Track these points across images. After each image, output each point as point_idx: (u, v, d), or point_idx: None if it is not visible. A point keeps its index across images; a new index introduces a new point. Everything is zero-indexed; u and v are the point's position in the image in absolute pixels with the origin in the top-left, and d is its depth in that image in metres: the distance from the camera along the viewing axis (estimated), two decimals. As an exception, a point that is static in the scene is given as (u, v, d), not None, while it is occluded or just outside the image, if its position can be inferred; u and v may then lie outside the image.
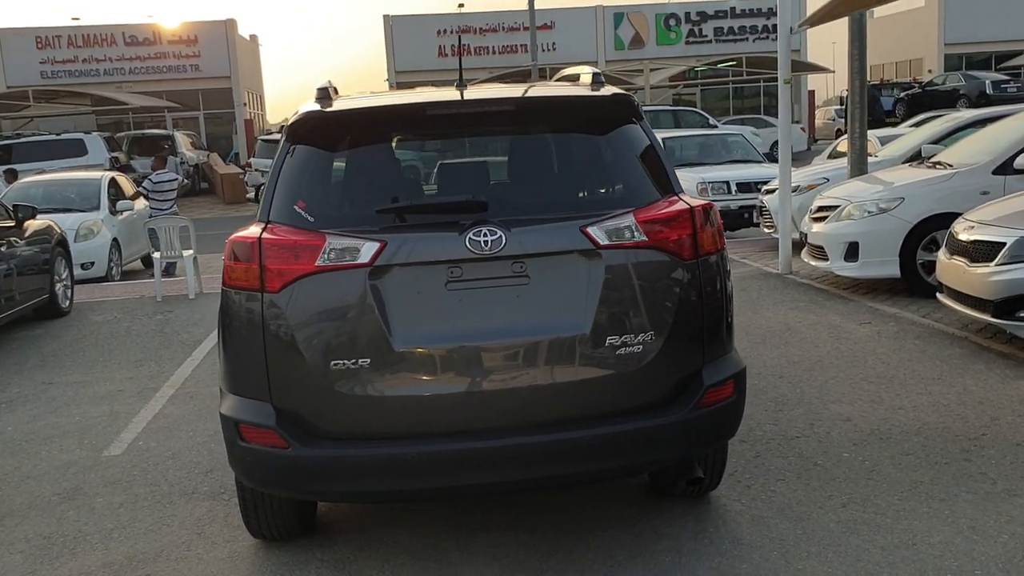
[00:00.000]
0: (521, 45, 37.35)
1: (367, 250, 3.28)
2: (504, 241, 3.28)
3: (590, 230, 3.36)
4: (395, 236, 3.32)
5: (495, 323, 3.32)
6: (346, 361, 3.27)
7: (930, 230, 8.33)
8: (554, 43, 38.83)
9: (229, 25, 38.88)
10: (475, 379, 3.30)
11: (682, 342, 3.46)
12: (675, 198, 3.61)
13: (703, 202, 3.62)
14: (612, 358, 3.35)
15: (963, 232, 6.71)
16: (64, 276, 10.49)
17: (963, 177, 8.38)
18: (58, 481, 5.11)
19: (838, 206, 8.97)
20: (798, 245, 10.35)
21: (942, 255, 7.03)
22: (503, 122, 3.81)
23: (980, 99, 29.55)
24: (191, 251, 11.58)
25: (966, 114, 12.20)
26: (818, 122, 40.64)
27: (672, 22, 39.99)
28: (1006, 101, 24.25)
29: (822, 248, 8.98)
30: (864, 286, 9.16)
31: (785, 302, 8.74)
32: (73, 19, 51.13)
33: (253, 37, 45.17)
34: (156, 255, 11.55)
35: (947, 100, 30.42)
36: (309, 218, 3.42)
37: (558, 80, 4.91)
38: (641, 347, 3.37)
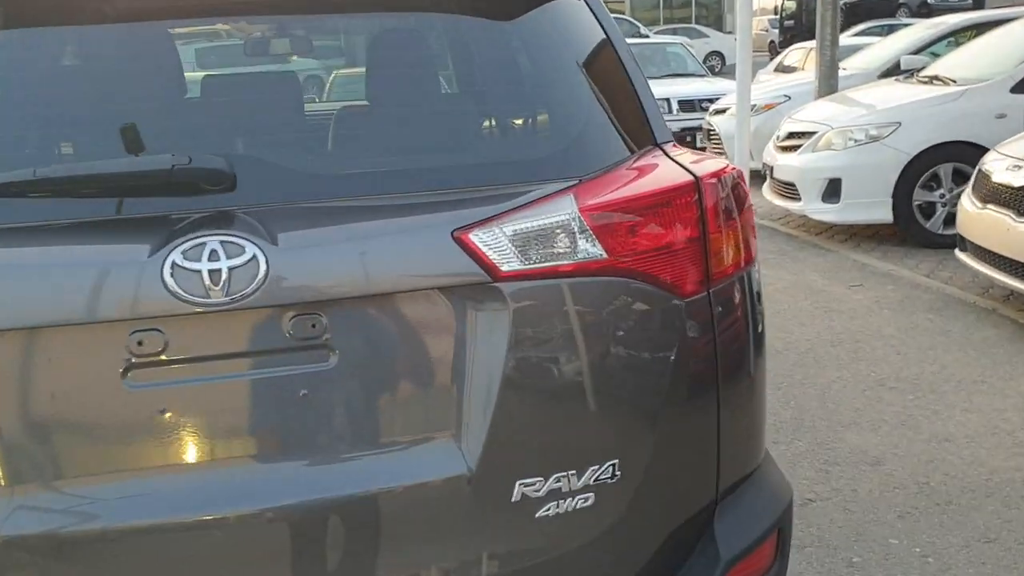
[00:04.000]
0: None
1: None
2: (264, 269, 1.38)
3: (474, 238, 1.47)
4: None
5: (248, 467, 1.45)
6: None
7: (932, 164, 6.63)
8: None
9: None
10: None
11: (678, 472, 1.63)
12: (657, 153, 1.74)
13: (717, 166, 1.76)
14: (529, 527, 1.52)
15: (1003, 173, 4.98)
16: None
17: (974, 96, 6.65)
18: None
19: (813, 132, 7.21)
20: (755, 177, 8.60)
21: (967, 202, 5.31)
22: None
23: (921, 8, 28.07)
24: None
25: (952, 19, 10.45)
26: (750, 33, 38.68)
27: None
28: (950, 11, 22.87)
29: (792, 185, 7.24)
30: (842, 232, 7.48)
31: (748, 253, 7.01)
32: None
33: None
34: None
35: (886, 9, 28.91)
36: None
37: None
38: (593, 497, 1.54)
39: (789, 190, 7.32)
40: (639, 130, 1.73)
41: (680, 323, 1.57)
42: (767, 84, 11.19)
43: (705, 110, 11.09)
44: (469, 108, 1.81)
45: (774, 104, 9.51)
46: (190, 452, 1.39)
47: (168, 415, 1.38)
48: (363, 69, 2.01)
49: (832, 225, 7.50)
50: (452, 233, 1.43)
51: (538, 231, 1.47)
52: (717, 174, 1.68)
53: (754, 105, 9.39)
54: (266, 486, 1.40)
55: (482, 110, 1.78)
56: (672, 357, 1.56)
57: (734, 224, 1.70)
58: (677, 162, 1.68)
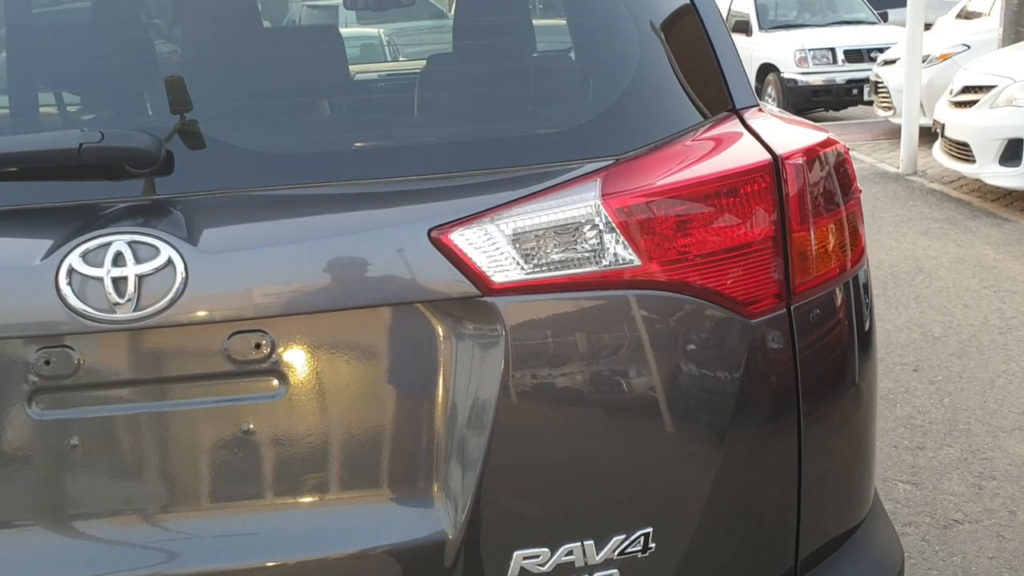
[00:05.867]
0: None
1: None
2: (181, 277, 1.09)
3: (458, 238, 1.13)
4: None
5: (173, 521, 1.16)
6: None
7: None
8: None
9: None
10: None
11: (736, 543, 1.26)
12: (732, 122, 1.34)
13: (811, 139, 1.34)
14: None
15: None
16: None
17: None
18: None
19: (993, 86, 6.40)
20: (925, 134, 7.81)
21: None
22: None
23: None
24: None
25: None
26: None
27: None
28: None
29: (966, 145, 6.47)
30: (1022, 199, 6.66)
31: (911, 220, 6.33)
32: None
33: None
34: None
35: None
36: None
37: None
38: (616, 574, 1.19)
39: (962, 151, 6.56)
40: (711, 93, 1.34)
41: (744, 352, 1.19)
42: (944, 32, 10.16)
43: (874, 60, 10.20)
44: (464, 68, 1.45)
45: (950, 54, 8.59)
46: (101, 499, 1.14)
47: (80, 452, 1.13)
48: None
49: (1010, 191, 6.68)
50: (429, 232, 1.11)
51: (546, 229, 1.13)
52: (808, 151, 1.28)
53: (927, 55, 8.52)
54: (195, 544, 1.13)
55: (481, 67, 1.40)
56: (731, 396, 1.19)
57: (832, 218, 1.30)
58: (755, 134, 1.29)
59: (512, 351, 1.11)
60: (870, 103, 10.16)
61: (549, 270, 1.13)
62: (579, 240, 1.14)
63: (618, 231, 1.14)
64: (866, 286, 1.40)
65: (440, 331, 1.13)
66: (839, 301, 1.30)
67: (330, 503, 1.15)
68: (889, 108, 9.18)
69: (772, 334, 1.21)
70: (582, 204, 1.14)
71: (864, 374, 1.36)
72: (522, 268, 1.13)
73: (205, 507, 1.15)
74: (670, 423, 1.17)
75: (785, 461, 1.27)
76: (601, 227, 1.14)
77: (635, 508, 1.17)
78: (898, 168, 7.91)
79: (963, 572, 2.62)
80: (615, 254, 1.14)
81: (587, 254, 1.14)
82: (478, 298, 1.11)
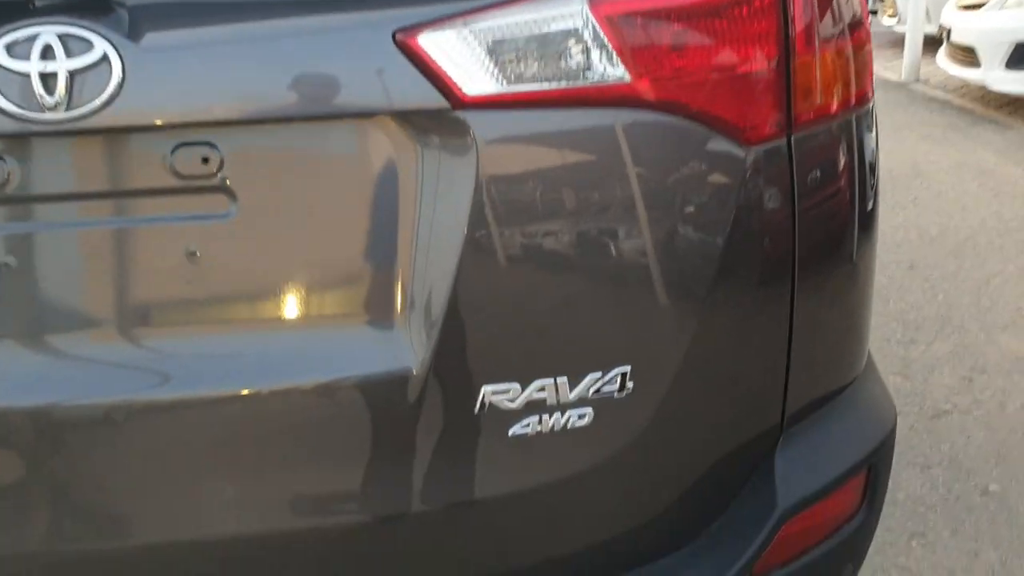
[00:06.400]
0: None
1: None
2: (118, 75, 0.95)
3: (426, 42, 0.99)
4: None
5: (107, 345, 1.04)
6: None
7: None
8: None
9: None
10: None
11: (719, 387, 1.18)
12: None
13: None
14: (497, 448, 1.10)
15: None
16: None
17: None
18: None
19: (1002, -12, 6.22)
20: (931, 43, 7.62)
21: None
22: None
23: None
24: None
25: None
26: None
27: None
28: None
29: (972, 50, 6.31)
30: (1027, 105, 6.53)
31: (911, 126, 6.20)
32: None
33: None
34: None
35: None
36: None
37: None
38: (591, 414, 1.11)
39: (968, 56, 6.40)
40: None
41: (740, 181, 1.10)
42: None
43: (881, -32, 9.91)
44: None
45: (960, -42, 8.34)
46: (33, 322, 1.05)
47: (11, 272, 1.04)
48: None
49: (1016, 98, 6.54)
50: (394, 35, 1.00)
51: (527, 38, 1.02)
52: None
53: (936, -41, 8.27)
54: (126, 375, 1.05)
55: None
56: (723, 229, 1.10)
57: (839, 45, 1.20)
58: None
59: (484, 172, 1.01)
60: (875, 12, 9.92)
61: (528, 83, 1.03)
62: (563, 51, 1.03)
63: (607, 42, 1.03)
64: (871, 131, 1.31)
65: (405, 148, 1.03)
66: (843, 136, 1.21)
67: (282, 332, 1.06)
68: (894, 15, 8.96)
69: (770, 164, 1.12)
70: (568, 11, 1.03)
71: (867, 222, 1.27)
72: (498, 80, 1.02)
73: (142, 333, 1.06)
74: (653, 253, 1.08)
75: (778, 307, 1.19)
76: (588, 37, 1.03)
77: (612, 346, 1.09)
78: (900, 76, 7.73)
79: (950, 460, 2.59)
80: (602, 68, 1.04)
81: (571, 67, 1.03)
82: (448, 111, 1.01)
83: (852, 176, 1.25)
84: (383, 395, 1.06)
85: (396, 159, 1.03)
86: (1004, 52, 6.02)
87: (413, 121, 1.03)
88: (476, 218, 1.02)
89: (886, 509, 2.38)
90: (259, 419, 1.06)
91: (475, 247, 1.03)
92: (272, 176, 1.04)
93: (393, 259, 1.05)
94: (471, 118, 1.01)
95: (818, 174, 1.19)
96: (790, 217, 1.16)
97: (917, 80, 7.56)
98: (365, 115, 1.02)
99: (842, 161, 1.23)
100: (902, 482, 2.48)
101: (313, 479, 1.08)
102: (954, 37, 6.58)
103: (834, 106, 1.20)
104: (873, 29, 8.07)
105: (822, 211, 1.21)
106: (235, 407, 1.05)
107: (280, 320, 1.06)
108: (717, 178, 1.11)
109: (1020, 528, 2.29)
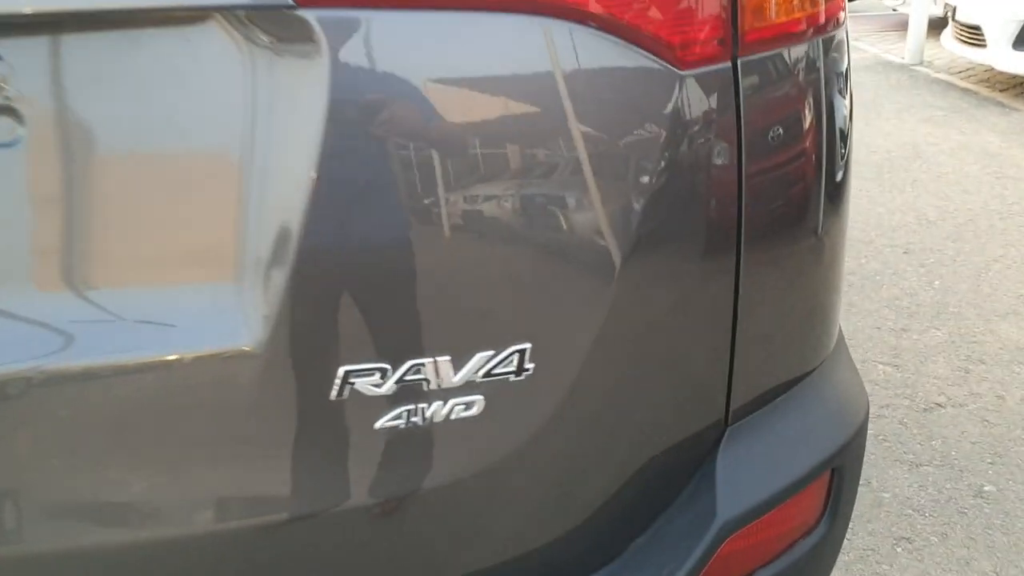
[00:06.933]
0: None
1: None
2: None
3: None
4: None
5: None
6: None
7: None
8: None
9: None
10: None
11: (645, 375, 0.96)
12: None
13: None
14: (360, 444, 0.87)
15: None
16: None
17: None
18: None
19: (1010, -35, 5.96)
20: (936, 26, 7.37)
21: None
22: None
23: None
24: None
25: None
26: None
27: None
28: None
29: (978, 29, 6.06)
30: (1034, 88, 6.28)
31: (913, 108, 5.96)
32: None
33: None
34: None
35: None
36: None
37: None
38: (481, 403, 0.88)
39: (974, 35, 6.15)
40: None
41: (669, 116, 0.88)
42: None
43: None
44: None
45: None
46: None
47: None
48: None
49: (1022, 80, 6.30)
50: None
51: None
52: None
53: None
54: None
55: None
56: (647, 177, 0.88)
57: None
58: None
59: (335, 86, 0.79)
60: (879, -7, 9.66)
61: None
62: None
63: None
64: (842, 61, 1.08)
65: (236, 58, 0.81)
66: (804, 63, 0.99)
67: (84, 293, 0.84)
68: (899, -4, 8.71)
69: (709, 94, 0.90)
70: None
71: (837, 181, 1.05)
72: None
73: None
74: (557, 203, 0.86)
75: (718, 279, 0.96)
76: None
77: (507, 318, 0.86)
78: (903, 58, 7.48)
79: (941, 456, 2.38)
80: None
81: None
82: (288, 8, 0.79)
83: (819, 124, 1.03)
84: (210, 378, 0.83)
85: (226, 72, 0.80)
86: (1012, 31, 5.77)
87: (246, 23, 0.80)
88: (327, 147, 0.80)
89: (870, 511, 2.17)
90: (81, 396, 0.83)
91: (326, 191, 0.80)
92: (71, 95, 0.81)
93: (224, 204, 0.82)
94: (315, 19, 0.78)
95: (773, 113, 0.96)
96: (735, 167, 0.93)
97: (921, 62, 7.30)
98: (184, 13, 0.79)
99: (805, 100, 1.01)
100: (888, 481, 2.27)
101: (124, 482, 0.86)
102: (960, 15, 6.33)
103: (795, 24, 0.98)
104: (876, 13, 7.78)
105: (778, 162, 0.98)
106: (57, 386, 0.82)
107: (77, 281, 0.84)
108: (639, 111, 0.88)
109: (1016, 534, 2.08)
